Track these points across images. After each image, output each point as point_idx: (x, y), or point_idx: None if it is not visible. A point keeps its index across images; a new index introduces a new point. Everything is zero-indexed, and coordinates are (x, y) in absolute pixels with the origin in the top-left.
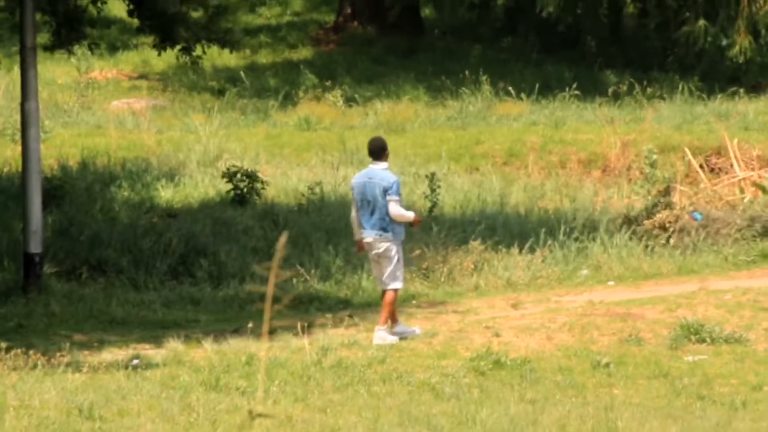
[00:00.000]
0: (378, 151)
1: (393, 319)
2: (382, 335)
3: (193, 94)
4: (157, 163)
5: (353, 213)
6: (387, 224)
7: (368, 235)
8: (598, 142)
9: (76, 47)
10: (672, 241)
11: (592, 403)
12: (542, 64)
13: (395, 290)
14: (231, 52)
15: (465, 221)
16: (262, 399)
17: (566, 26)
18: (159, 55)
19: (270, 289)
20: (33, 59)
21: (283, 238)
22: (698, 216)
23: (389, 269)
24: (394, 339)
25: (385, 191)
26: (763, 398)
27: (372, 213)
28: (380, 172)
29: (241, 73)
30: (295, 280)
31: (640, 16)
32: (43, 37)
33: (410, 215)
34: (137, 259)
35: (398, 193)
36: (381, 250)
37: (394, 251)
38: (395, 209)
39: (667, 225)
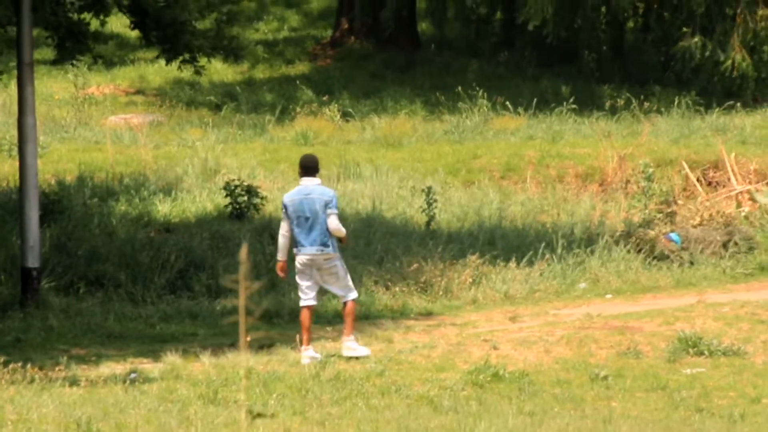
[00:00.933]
0: (313, 167)
1: (349, 329)
2: (352, 345)
3: (190, 109)
4: (155, 178)
5: (283, 232)
6: (327, 239)
7: (308, 252)
8: (596, 156)
9: (76, 62)
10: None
11: (590, 416)
12: (539, 78)
13: (354, 300)
14: (236, 61)
15: (463, 235)
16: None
17: (562, 41)
18: (167, 63)
19: (242, 302)
20: (30, 75)
21: (244, 249)
22: (676, 238)
23: (341, 283)
24: (364, 350)
25: (326, 205)
26: (762, 411)
27: (311, 229)
28: (317, 187)
29: (237, 88)
30: (293, 294)
31: (642, 30)
32: (44, 53)
33: (344, 231)
34: (135, 274)
35: (336, 207)
36: (325, 267)
37: (339, 264)
38: (335, 223)
39: (641, 246)
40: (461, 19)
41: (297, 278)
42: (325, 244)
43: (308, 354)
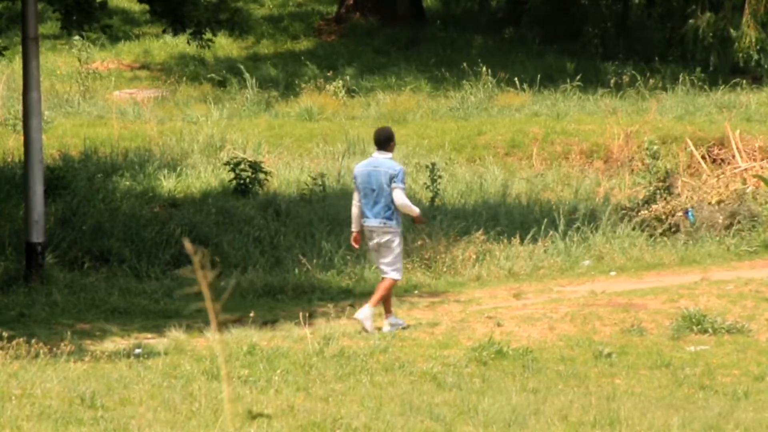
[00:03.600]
0: (384, 140)
1: (375, 301)
2: (366, 312)
3: (195, 85)
4: (159, 154)
5: (355, 202)
6: (391, 213)
7: (371, 223)
8: (600, 133)
9: (83, 33)
10: (664, 234)
11: (594, 393)
12: (544, 55)
13: (394, 279)
14: (240, 35)
15: (467, 212)
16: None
17: (567, 17)
18: (174, 35)
19: (206, 290)
20: (35, 49)
21: (188, 244)
22: (691, 216)
23: (389, 258)
24: (369, 326)
25: (391, 179)
26: (765, 388)
27: (376, 202)
28: (385, 161)
29: (242, 64)
30: (297, 270)
31: (647, 6)
32: (49, 28)
33: (415, 209)
34: (139, 249)
35: (403, 182)
36: (383, 240)
37: (397, 242)
38: (400, 197)
39: (663, 217)
40: None
41: (369, 253)
42: (388, 218)
43: (390, 321)
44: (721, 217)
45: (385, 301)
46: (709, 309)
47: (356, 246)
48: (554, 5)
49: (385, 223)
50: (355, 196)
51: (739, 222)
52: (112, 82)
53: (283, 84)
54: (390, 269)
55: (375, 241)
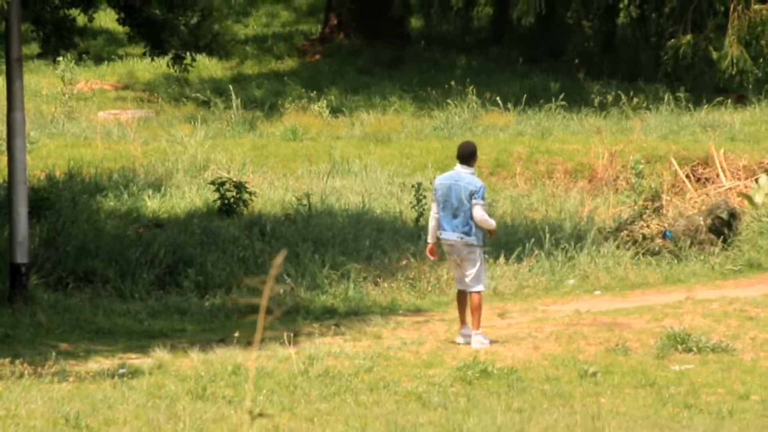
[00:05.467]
0: (468, 155)
1: (476, 323)
2: (479, 339)
3: (179, 105)
4: (144, 174)
5: (433, 213)
6: (470, 228)
7: (449, 237)
8: (585, 152)
9: (61, 58)
10: (648, 253)
11: (579, 412)
12: (528, 74)
13: (479, 293)
14: (220, 59)
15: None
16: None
17: (552, 36)
18: (152, 60)
19: (264, 301)
20: (19, 70)
21: (280, 257)
22: (669, 235)
23: (473, 272)
24: (488, 341)
25: (472, 195)
26: (750, 407)
27: (455, 216)
28: (467, 176)
29: (227, 84)
30: (282, 291)
31: (638, 23)
32: (32, 48)
33: (492, 223)
34: (124, 270)
35: (484, 198)
36: (464, 253)
37: (477, 254)
38: (480, 213)
39: (640, 239)
40: (450, 15)
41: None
42: (466, 233)
43: (464, 332)
44: (701, 218)
45: (462, 312)
46: (693, 328)
47: (432, 257)
48: (538, 24)
49: (462, 238)
50: (434, 208)
51: (718, 217)
52: (96, 102)
53: (267, 104)
54: (474, 283)
55: (454, 255)
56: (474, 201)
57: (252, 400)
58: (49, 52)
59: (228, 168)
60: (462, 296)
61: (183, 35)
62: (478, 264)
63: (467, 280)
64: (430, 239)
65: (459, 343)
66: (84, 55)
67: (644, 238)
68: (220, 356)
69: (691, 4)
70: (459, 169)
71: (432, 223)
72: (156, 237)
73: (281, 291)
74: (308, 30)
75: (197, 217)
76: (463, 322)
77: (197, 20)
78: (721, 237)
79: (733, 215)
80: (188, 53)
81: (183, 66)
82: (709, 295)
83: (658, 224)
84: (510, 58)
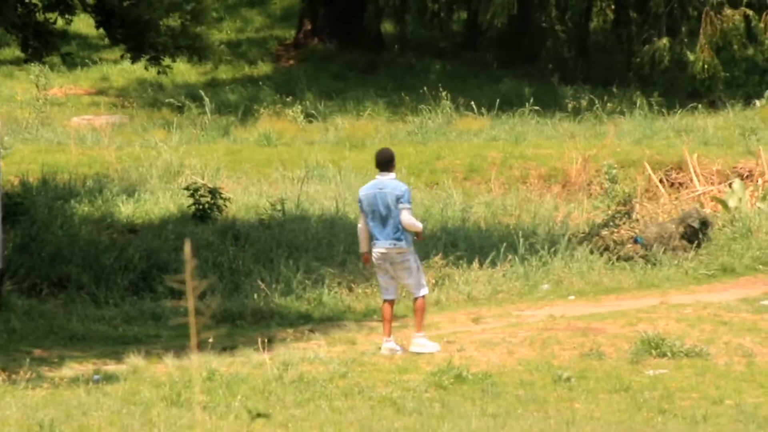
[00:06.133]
0: (386, 162)
1: (419, 326)
2: (421, 342)
3: (153, 110)
4: (118, 179)
5: (361, 225)
6: (401, 233)
7: (382, 246)
8: (559, 157)
9: (42, 61)
10: (622, 258)
11: (553, 417)
12: (502, 79)
13: (423, 297)
14: (200, 61)
15: (426, 236)
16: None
17: (525, 41)
18: (133, 62)
19: (191, 302)
20: None
21: (188, 246)
22: (640, 240)
23: (413, 278)
24: (434, 346)
25: (398, 200)
26: (724, 412)
27: (384, 224)
28: (390, 182)
29: (200, 89)
30: (256, 296)
31: (612, 28)
32: (5, 53)
33: (419, 225)
34: (98, 275)
35: (410, 202)
36: (398, 261)
37: (412, 259)
38: (408, 217)
39: (612, 244)
40: (423, 20)
41: (377, 274)
42: (398, 239)
43: (388, 345)
44: (672, 226)
45: (387, 323)
46: (667, 333)
47: (368, 264)
48: (512, 29)
49: (395, 245)
50: (362, 219)
51: (690, 226)
52: (70, 108)
53: (241, 109)
54: (417, 289)
55: (387, 264)
56: (401, 205)
57: (226, 407)
58: (32, 57)
59: (202, 173)
60: (389, 307)
61: (163, 37)
62: (414, 269)
63: (410, 289)
64: (363, 248)
65: (384, 353)
66: (67, 57)
67: (616, 243)
68: (194, 362)
69: (665, 9)
70: (380, 177)
71: (363, 233)
72: (130, 243)
73: (206, 288)
74: (282, 35)
75: (171, 223)
76: (388, 333)
77: (182, 22)
78: (694, 243)
79: (704, 224)
80: (167, 55)
81: (162, 68)
82: (683, 300)
83: (629, 230)
84: (484, 62)
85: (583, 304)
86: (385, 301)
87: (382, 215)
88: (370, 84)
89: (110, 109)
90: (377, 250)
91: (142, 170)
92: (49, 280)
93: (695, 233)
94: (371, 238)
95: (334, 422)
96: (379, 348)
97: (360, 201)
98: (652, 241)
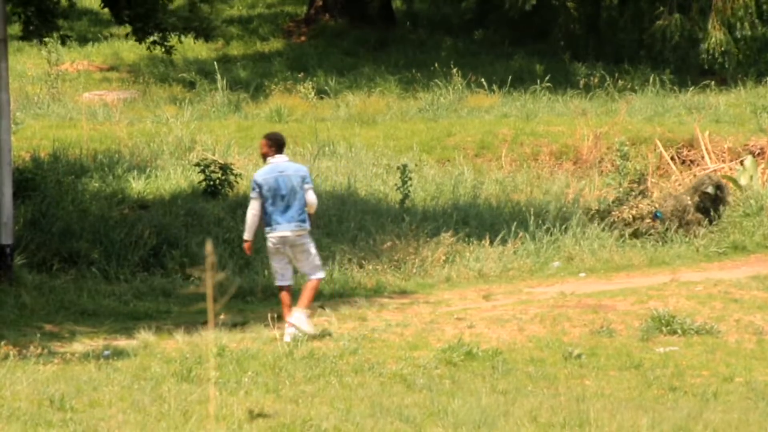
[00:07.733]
0: (283, 144)
1: (307, 303)
2: (302, 318)
3: (165, 86)
4: (129, 155)
5: (254, 212)
6: (304, 215)
7: (284, 230)
8: (570, 134)
9: (46, 39)
10: (634, 236)
11: (563, 394)
12: (513, 56)
13: (320, 279)
14: (207, 41)
15: (437, 213)
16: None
17: (537, 18)
18: (140, 43)
19: (209, 290)
20: (4, 51)
21: (209, 245)
22: (659, 215)
23: (311, 260)
24: (310, 327)
25: (303, 180)
26: (734, 389)
27: (288, 206)
28: (290, 164)
29: (212, 65)
30: (266, 272)
31: (617, 7)
32: (17, 29)
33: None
34: (108, 251)
35: (311, 181)
36: (298, 243)
37: (309, 240)
38: (314, 197)
39: (630, 220)
40: None
41: (271, 260)
42: (302, 221)
43: (290, 331)
44: (687, 197)
45: (287, 308)
46: (678, 310)
47: (250, 254)
48: (524, 6)
49: (300, 226)
50: (255, 205)
51: (705, 193)
52: (81, 83)
53: (252, 85)
54: (314, 271)
55: (286, 248)
56: (306, 185)
57: (236, 383)
58: (32, 35)
59: (213, 149)
60: (287, 294)
61: (170, 18)
62: (313, 249)
63: (307, 269)
64: (248, 236)
65: (287, 341)
66: (66, 38)
67: (634, 219)
68: (204, 338)
69: None
70: (277, 159)
71: (252, 220)
72: (141, 218)
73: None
74: (294, 11)
75: (182, 199)
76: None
77: (189, 3)
78: (709, 214)
79: (719, 188)
80: (174, 36)
81: (165, 49)
82: (694, 278)
83: (649, 204)
84: (495, 40)
85: (593, 281)
86: (281, 288)
87: (286, 198)
88: (381, 61)
89: (122, 84)
90: (276, 235)
91: (153, 146)
92: (60, 256)
93: (710, 201)
94: (269, 223)
95: (344, 398)
96: (386, 324)
97: (258, 186)
98: (669, 215)
